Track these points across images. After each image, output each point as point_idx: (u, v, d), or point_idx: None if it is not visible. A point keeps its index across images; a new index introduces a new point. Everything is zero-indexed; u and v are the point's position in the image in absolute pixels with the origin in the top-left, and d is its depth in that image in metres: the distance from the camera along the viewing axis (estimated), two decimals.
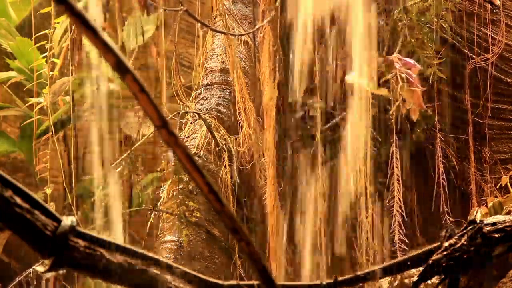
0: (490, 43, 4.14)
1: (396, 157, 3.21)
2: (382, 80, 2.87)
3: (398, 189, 3.22)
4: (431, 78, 3.71)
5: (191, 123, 3.80)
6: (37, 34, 3.74)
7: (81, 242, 1.20)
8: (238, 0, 4.16)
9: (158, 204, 3.56)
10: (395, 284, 2.99)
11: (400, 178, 3.25)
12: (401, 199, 3.27)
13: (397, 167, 3.21)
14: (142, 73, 4.33)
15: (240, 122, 3.73)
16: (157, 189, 3.68)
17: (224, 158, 3.63)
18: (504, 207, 3.25)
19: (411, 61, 2.87)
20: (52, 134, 3.56)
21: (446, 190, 3.88)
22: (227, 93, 3.91)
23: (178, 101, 3.77)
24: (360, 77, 2.59)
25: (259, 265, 1.19)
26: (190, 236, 3.43)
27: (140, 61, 4.21)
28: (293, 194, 3.85)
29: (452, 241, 1.42)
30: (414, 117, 2.89)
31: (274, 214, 3.39)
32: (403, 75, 2.76)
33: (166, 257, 3.31)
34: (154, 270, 1.26)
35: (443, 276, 1.42)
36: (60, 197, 4.10)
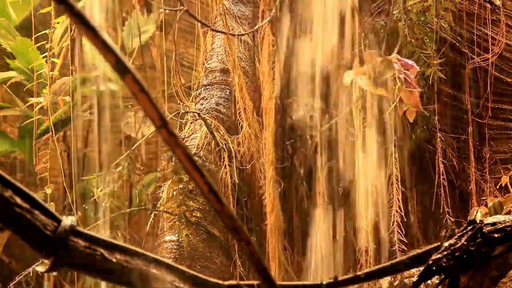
0: (490, 43, 4.14)
1: (395, 158, 3.21)
2: (380, 80, 2.87)
3: (397, 189, 3.22)
4: (431, 78, 3.71)
5: (191, 123, 3.80)
6: (37, 34, 3.74)
7: (81, 242, 1.19)
8: (238, 0, 4.16)
9: (158, 204, 3.56)
10: (395, 284, 3.00)
11: (399, 179, 3.25)
12: (400, 199, 3.27)
13: (395, 167, 3.21)
14: (142, 73, 4.33)
15: (240, 122, 3.73)
16: (157, 189, 3.68)
17: (224, 158, 3.63)
18: (504, 207, 3.24)
19: (410, 62, 2.87)
20: (52, 134, 3.55)
21: (446, 190, 3.88)
22: (227, 93, 3.90)
23: (178, 101, 3.76)
24: (358, 77, 2.59)
25: (259, 265, 1.19)
26: (190, 236, 3.43)
27: (140, 61, 4.20)
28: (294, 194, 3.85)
29: (452, 241, 1.42)
30: (411, 118, 2.89)
31: (274, 214, 3.39)
32: (401, 76, 2.75)
33: (166, 257, 3.31)
34: (154, 270, 1.26)
35: (443, 276, 1.42)
36: (60, 197, 4.09)
